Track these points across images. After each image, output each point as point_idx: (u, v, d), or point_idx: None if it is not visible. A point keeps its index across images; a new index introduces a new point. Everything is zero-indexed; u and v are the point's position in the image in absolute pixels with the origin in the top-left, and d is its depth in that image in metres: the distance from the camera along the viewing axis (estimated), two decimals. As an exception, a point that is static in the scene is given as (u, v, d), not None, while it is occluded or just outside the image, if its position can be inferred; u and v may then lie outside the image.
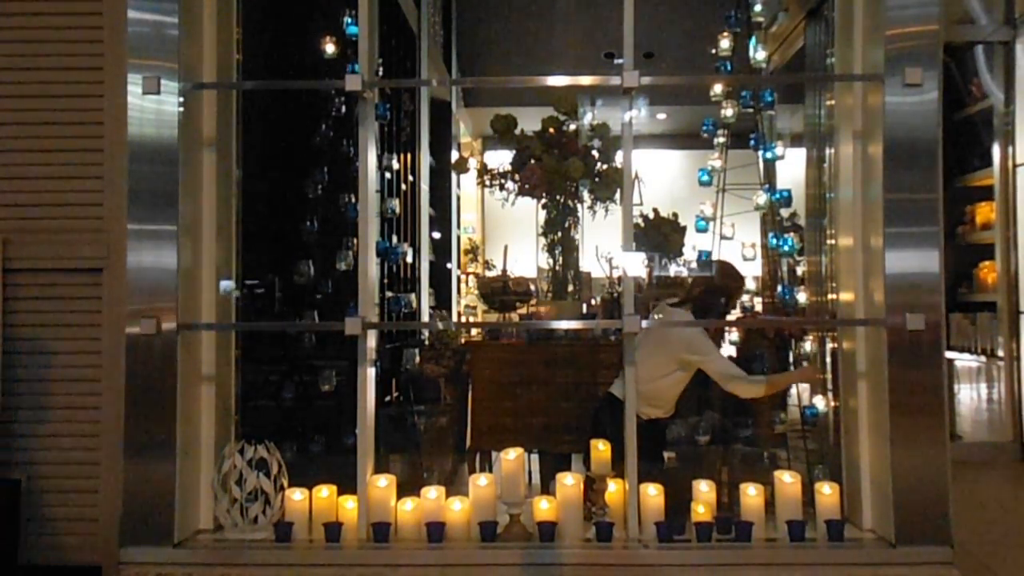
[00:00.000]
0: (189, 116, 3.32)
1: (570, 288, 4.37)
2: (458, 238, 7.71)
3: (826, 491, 3.30)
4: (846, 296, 3.52)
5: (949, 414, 3.53)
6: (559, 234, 4.30)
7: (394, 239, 5.41)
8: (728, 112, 5.02)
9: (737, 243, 4.99)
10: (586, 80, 3.51)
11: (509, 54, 7.76)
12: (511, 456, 3.33)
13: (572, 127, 4.22)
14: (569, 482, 3.27)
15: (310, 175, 4.61)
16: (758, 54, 4.87)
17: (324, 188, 4.65)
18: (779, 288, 4.53)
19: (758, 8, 4.97)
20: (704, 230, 5.21)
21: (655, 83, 3.30)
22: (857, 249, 3.42)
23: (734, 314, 5.16)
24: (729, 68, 5.08)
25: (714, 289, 3.96)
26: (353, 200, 4.36)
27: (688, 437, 4.01)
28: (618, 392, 3.76)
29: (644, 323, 3.33)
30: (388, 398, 4.84)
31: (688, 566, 3.12)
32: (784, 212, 4.83)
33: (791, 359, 4.29)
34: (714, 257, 4.98)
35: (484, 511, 3.28)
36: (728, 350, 4.48)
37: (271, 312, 4.36)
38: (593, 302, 5.15)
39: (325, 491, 3.35)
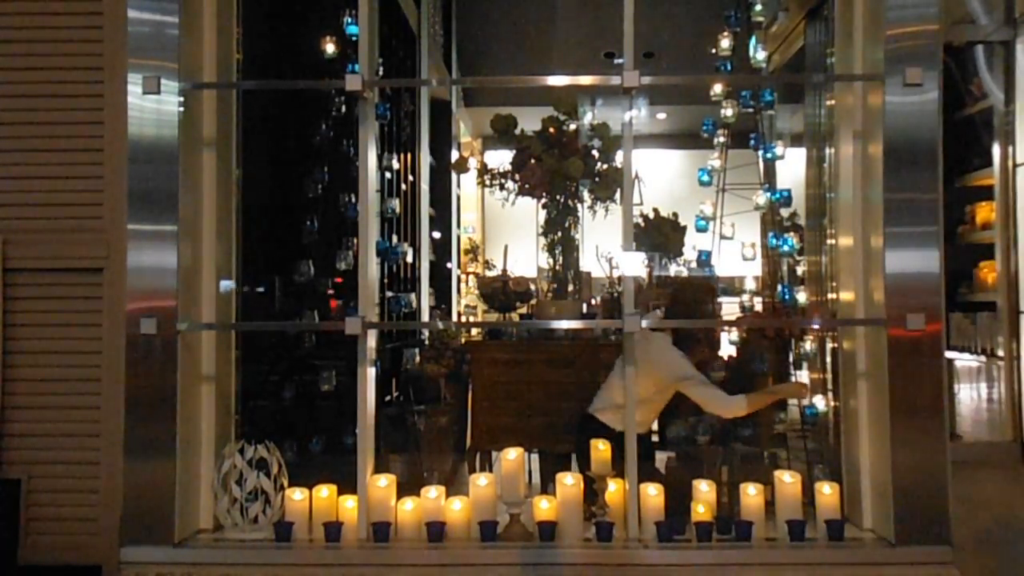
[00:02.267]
0: (189, 116, 3.32)
1: (570, 288, 4.37)
2: (458, 238, 7.70)
3: (826, 491, 3.30)
4: (846, 296, 3.52)
5: (949, 414, 3.53)
6: (559, 234, 4.30)
7: (394, 239, 5.41)
8: (728, 112, 5.02)
9: (737, 243, 4.99)
10: (586, 80, 3.51)
11: (509, 54, 7.76)
12: (511, 456, 3.33)
13: (572, 127, 4.21)
14: (569, 482, 3.27)
15: (310, 175, 4.61)
16: (758, 54, 4.87)
17: (324, 188, 4.64)
18: (779, 288, 4.53)
19: (758, 8, 4.97)
20: (704, 230, 5.20)
21: (655, 83, 3.30)
22: (857, 249, 3.42)
23: (736, 314, 5.17)
24: (729, 68, 5.08)
25: (679, 307, 3.94)
26: (353, 200, 4.36)
27: (688, 437, 4.00)
28: (595, 411, 3.77)
29: (644, 323, 3.34)
30: (388, 398, 4.84)
31: (688, 566, 3.12)
32: (784, 212, 4.83)
33: (791, 359, 4.28)
34: (714, 257, 4.98)
35: (484, 511, 3.28)
36: (728, 350, 4.48)
37: (271, 312, 4.36)
38: (593, 302, 5.15)
39: (325, 491, 3.35)
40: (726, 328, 4.61)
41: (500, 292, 4.40)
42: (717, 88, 5.01)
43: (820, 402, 3.99)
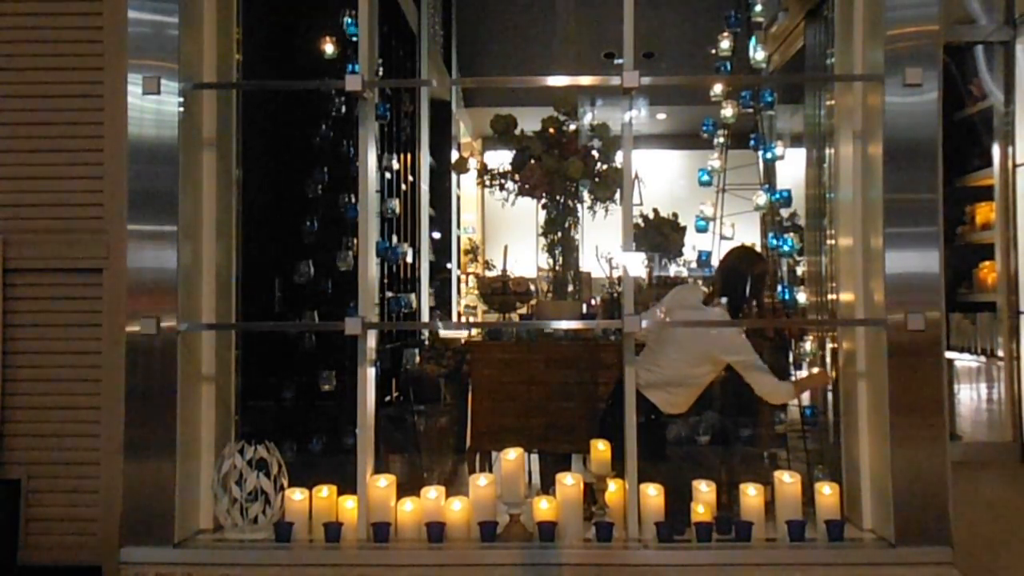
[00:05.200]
0: (189, 116, 3.32)
1: (570, 288, 4.37)
2: (458, 238, 7.71)
3: (826, 491, 3.30)
4: (846, 296, 3.52)
5: (949, 414, 3.53)
6: (559, 234, 4.30)
7: (394, 239, 5.41)
8: (728, 112, 5.03)
9: (737, 243, 4.99)
10: (586, 80, 3.51)
11: (509, 54, 7.76)
12: (511, 456, 3.33)
13: (572, 127, 4.22)
14: (569, 482, 3.27)
15: (310, 175, 4.61)
16: (758, 54, 4.87)
17: (324, 188, 4.65)
18: (779, 288, 4.53)
19: (758, 8, 4.98)
20: (704, 230, 5.21)
21: (655, 83, 3.30)
22: (857, 249, 3.42)
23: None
24: (729, 68, 5.09)
25: (730, 276, 3.76)
26: (353, 200, 4.36)
27: (688, 437, 4.00)
28: (641, 386, 3.60)
29: (644, 323, 3.33)
30: (388, 398, 4.84)
31: (688, 566, 3.12)
32: (784, 212, 4.84)
33: (791, 359, 4.29)
34: (714, 258, 4.98)
35: (484, 511, 3.28)
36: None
37: (271, 312, 4.36)
38: (593, 302, 5.16)
39: (325, 491, 3.35)
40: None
41: (500, 292, 4.40)
42: (717, 88, 5.02)
43: (820, 402, 3.99)
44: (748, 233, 5.38)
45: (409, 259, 5.76)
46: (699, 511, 3.26)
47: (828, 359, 3.96)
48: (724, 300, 3.73)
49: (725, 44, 5.04)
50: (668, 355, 3.65)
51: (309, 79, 4.66)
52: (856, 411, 3.42)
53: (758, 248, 4.81)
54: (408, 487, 3.44)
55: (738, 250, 4.00)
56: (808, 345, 4.23)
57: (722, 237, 5.19)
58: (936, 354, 3.17)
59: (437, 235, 6.76)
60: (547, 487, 3.97)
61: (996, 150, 5.65)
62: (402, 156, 5.76)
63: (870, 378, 3.35)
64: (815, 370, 4.10)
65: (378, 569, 3.14)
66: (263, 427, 3.64)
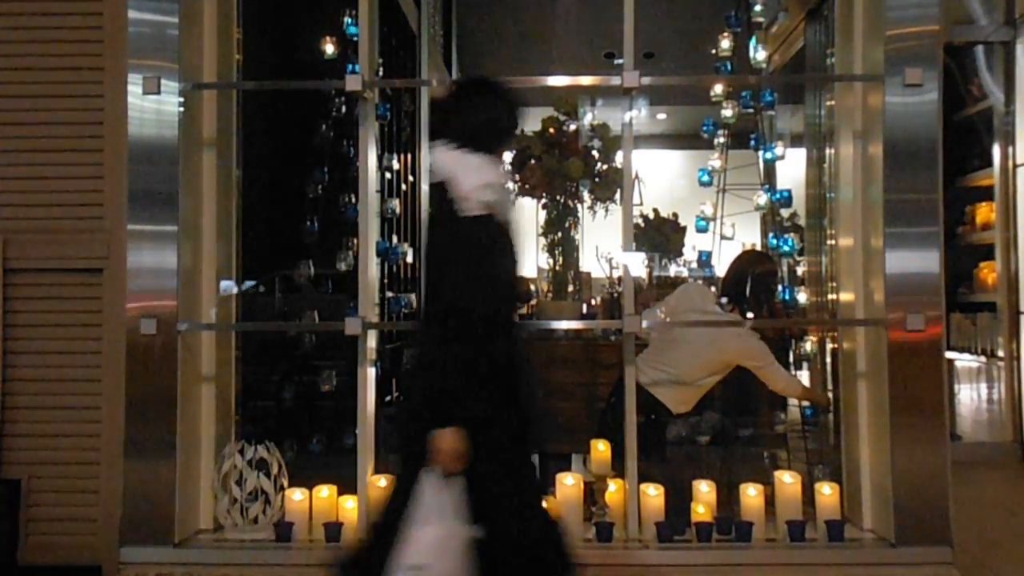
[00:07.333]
0: (189, 116, 3.33)
1: (570, 288, 4.37)
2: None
3: (826, 491, 3.30)
4: (846, 296, 3.52)
5: (949, 414, 3.53)
6: (559, 234, 4.30)
7: (394, 239, 5.40)
8: (728, 112, 5.01)
9: (737, 243, 4.98)
10: (586, 80, 3.51)
11: (509, 54, 7.76)
12: (511, 456, 3.32)
13: (572, 127, 4.22)
14: (569, 482, 3.27)
15: (310, 175, 4.61)
16: (758, 54, 4.86)
17: (324, 188, 4.64)
18: (779, 288, 4.53)
19: (758, 8, 4.97)
20: (704, 230, 5.20)
21: (655, 83, 3.30)
22: (857, 249, 3.43)
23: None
24: (729, 68, 5.07)
25: (740, 279, 3.77)
26: (353, 200, 4.36)
27: (688, 437, 4.00)
28: (646, 383, 3.59)
29: (644, 323, 3.33)
30: (388, 398, 4.83)
31: (688, 566, 3.12)
32: (784, 212, 4.83)
33: (791, 359, 4.28)
34: (715, 259, 4.97)
35: (484, 511, 3.27)
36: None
37: (271, 312, 4.36)
38: (593, 302, 5.15)
39: (325, 491, 3.35)
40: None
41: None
42: (717, 88, 5.00)
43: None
44: (748, 233, 5.38)
45: (409, 259, 5.75)
46: (699, 511, 3.26)
47: (828, 359, 3.95)
48: (724, 300, 3.73)
49: (725, 44, 5.03)
50: (679, 355, 3.62)
51: (309, 79, 4.66)
52: (856, 411, 3.42)
53: (758, 248, 4.81)
54: (408, 487, 3.43)
55: (748, 254, 4.01)
56: (808, 345, 4.22)
57: (722, 237, 5.18)
58: (936, 354, 3.17)
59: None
60: (547, 487, 3.97)
61: (996, 150, 5.64)
62: (402, 156, 5.76)
63: (870, 378, 3.35)
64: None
65: (378, 569, 3.13)
66: (263, 427, 3.64)
